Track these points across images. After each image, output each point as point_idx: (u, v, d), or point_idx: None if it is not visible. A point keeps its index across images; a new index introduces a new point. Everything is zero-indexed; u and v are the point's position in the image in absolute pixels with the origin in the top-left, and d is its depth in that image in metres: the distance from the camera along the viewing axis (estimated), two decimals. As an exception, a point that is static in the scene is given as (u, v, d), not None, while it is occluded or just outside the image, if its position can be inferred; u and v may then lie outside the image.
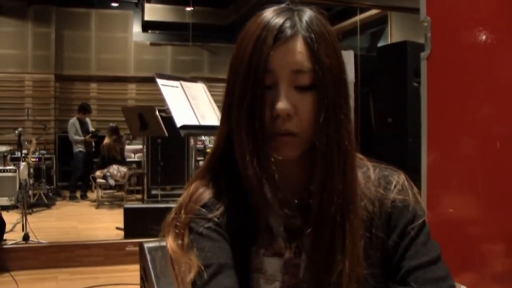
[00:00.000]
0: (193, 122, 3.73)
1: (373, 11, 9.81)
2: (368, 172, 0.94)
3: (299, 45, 0.83)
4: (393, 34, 9.93)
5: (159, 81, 3.63)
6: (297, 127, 0.83)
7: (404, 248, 0.88)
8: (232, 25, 12.79)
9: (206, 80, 7.74)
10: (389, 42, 9.88)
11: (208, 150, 8.80)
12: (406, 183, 0.94)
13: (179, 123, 3.56)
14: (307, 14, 0.87)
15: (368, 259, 0.87)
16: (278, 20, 0.84)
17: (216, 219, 0.91)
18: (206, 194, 0.94)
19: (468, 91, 1.77)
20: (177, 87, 3.81)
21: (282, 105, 0.82)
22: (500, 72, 1.70)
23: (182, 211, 0.93)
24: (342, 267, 0.83)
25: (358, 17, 9.83)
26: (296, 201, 0.89)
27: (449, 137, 1.86)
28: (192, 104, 3.81)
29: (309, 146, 0.85)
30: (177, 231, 0.92)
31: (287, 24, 0.84)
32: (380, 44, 10.68)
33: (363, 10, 9.64)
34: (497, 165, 1.70)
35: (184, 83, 3.90)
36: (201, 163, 7.71)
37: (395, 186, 0.91)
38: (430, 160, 1.82)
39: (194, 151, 4.29)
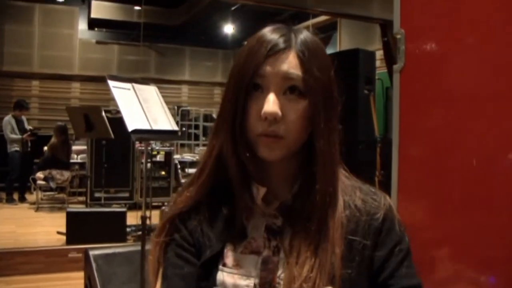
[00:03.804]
0: (145, 126, 3.58)
1: (323, 17, 9.92)
2: (352, 180, 1.00)
3: (291, 57, 0.89)
4: (342, 41, 10.07)
5: (111, 83, 3.47)
6: (283, 130, 0.88)
7: (393, 269, 0.92)
8: (182, 26, 12.67)
9: (153, 81, 7.58)
10: (337, 48, 10.03)
11: (154, 153, 8.65)
12: (392, 204, 0.98)
13: (130, 127, 3.41)
14: (303, 33, 0.93)
15: (347, 261, 0.89)
16: (274, 36, 0.90)
17: (188, 238, 0.98)
18: (187, 202, 0.98)
19: (442, 105, 1.77)
20: (129, 89, 3.66)
21: (269, 108, 0.86)
22: (475, 86, 1.70)
23: (163, 226, 1.00)
24: (314, 263, 0.87)
25: (311, 21, 9.92)
26: (279, 202, 0.95)
27: (420, 150, 1.86)
28: (144, 108, 3.67)
29: (295, 150, 0.91)
30: (156, 252, 1.00)
31: (282, 39, 0.90)
32: (328, 50, 10.82)
33: (314, 16, 9.73)
34: (471, 180, 1.70)
35: (136, 86, 3.75)
36: (148, 165, 7.51)
37: (384, 204, 0.96)
38: (401, 174, 1.82)
39: (145, 154, 4.15)
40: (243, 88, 0.88)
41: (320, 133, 0.89)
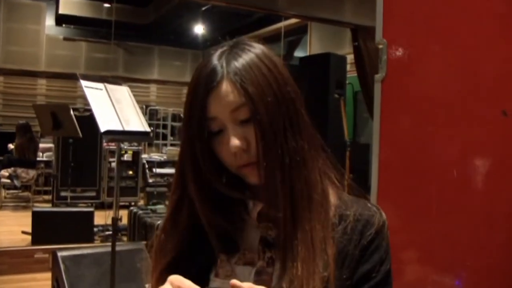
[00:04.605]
0: (118, 127, 3.54)
1: (293, 20, 9.95)
2: (348, 195, 0.99)
3: (228, 87, 0.89)
4: (313, 44, 10.13)
5: (83, 83, 3.42)
6: (255, 156, 0.90)
7: None
8: (152, 25, 12.56)
9: (121, 80, 7.50)
10: (308, 51, 10.08)
11: (122, 152, 8.56)
12: (386, 224, 0.97)
13: (103, 128, 3.37)
14: (236, 52, 0.93)
15: (340, 270, 0.90)
16: (208, 69, 0.91)
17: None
18: (170, 254, 0.98)
19: (418, 113, 1.80)
20: (101, 89, 3.61)
21: (233, 142, 0.89)
22: (450, 94, 1.73)
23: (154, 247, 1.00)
24: (308, 265, 0.87)
25: (283, 23, 9.94)
26: (273, 214, 0.93)
27: (397, 157, 1.88)
28: (116, 108, 3.63)
29: None
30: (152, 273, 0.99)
31: (215, 70, 0.90)
32: (297, 53, 10.86)
33: (285, 18, 9.76)
34: (444, 186, 1.73)
35: (109, 86, 3.70)
36: (113, 164, 7.39)
37: (379, 221, 0.95)
38: (381, 187, 1.83)
39: (117, 155, 4.10)
40: (202, 140, 0.91)
41: (268, 152, 0.88)
